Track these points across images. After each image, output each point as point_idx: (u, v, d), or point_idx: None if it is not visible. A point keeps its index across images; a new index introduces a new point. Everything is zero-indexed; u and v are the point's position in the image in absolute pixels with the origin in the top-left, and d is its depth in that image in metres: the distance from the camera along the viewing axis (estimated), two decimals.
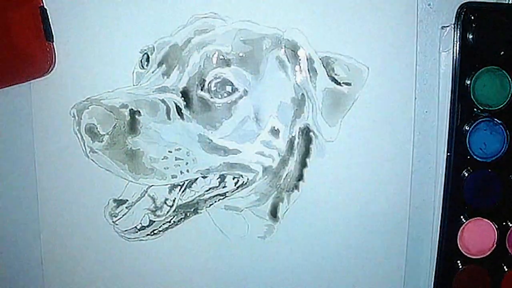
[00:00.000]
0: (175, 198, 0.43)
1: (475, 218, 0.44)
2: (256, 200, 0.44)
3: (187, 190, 0.43)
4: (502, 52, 0.42)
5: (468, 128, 0.42)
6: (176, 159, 0.41)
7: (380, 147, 0.43)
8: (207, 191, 0.43)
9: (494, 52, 0.42)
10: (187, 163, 0.42)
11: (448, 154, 0.43)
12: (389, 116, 0.43)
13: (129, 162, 0.41)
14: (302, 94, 0.42)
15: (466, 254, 0.44)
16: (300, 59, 0.42)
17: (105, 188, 0.43)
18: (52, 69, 0.42)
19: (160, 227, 0.44)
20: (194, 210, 0.44)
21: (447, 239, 0.44)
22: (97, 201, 0.44)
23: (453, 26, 0.42)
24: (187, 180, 0.43)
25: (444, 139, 0.43)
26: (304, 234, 0.44)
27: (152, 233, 0.44)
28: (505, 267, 0.45)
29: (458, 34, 0.42)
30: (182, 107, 0.42)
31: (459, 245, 0.44)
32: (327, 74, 0.42)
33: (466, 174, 0.43)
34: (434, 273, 0.45)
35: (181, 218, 0.44)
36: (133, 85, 0.42)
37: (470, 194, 0.43)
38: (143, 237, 0.44)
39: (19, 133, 0.44)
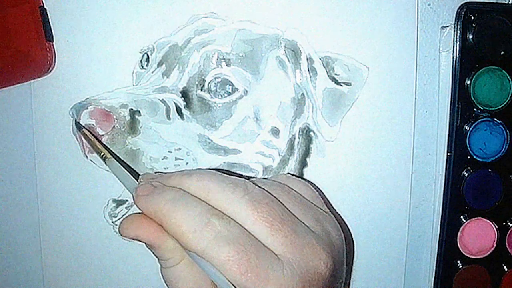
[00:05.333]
0: None
1: (475, 218, 0.44)
2: None
3: None
4: (502, 52, 0.42)
5: (468, 128, 0.42)
6: (176, 159, 0.41)
7: (380, 147, 0.43)
8: None
9: (494, 52, 0.42)
10: (187, 163, 0.42)
11: (448, 154, 0.43)
12: (389, 116, 0.43)
13: (129, 162, 0.41)
14: (302, 94, 0.42)
15: (466, 254, 0.44)
16: (300, 59, 0.42)
17: (105, 188, 0.43)
18: (52, 69, 0.42)
19: None
20: None
21: (447, 239, 0.44)
22: (96, 201, 0.44)
23: (453, 26, 0.42)
24: None
25: (444, 139, 0.43)
26: None
27: None
28: (505, 267, 0.45)
29: (458, 34, 0.42)
30: (182, 107, 0.42)
31: (459, 245, 0.44)
32: (327, 74, 0.42)
33: (466, 174, 0.43)
34: (434, 273, 0.45)
35: None
36: (133, 85, 0.42)
37: (470, 194, 0.43)
38: None
39: (19, 133, 0.44)
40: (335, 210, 0.43)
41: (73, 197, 0.44)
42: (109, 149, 0.41)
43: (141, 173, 0.41)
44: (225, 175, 0.32)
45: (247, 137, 0.42)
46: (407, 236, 0.44)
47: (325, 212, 0.34)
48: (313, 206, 0.33)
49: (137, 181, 0.34)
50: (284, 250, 0.29)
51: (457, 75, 0.42)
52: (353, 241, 0.44)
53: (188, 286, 0.32)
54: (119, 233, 0.32)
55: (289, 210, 0.31)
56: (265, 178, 0.33)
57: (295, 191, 0.33)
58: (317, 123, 0.43)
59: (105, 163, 0.37)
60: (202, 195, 0.30)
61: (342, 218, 0.43)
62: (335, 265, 0.30)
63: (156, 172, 0.42)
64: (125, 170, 0.35)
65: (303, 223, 0.31)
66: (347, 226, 0.43)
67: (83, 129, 0.40)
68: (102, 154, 0.38)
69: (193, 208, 0.29)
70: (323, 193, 0.42)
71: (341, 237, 0.33)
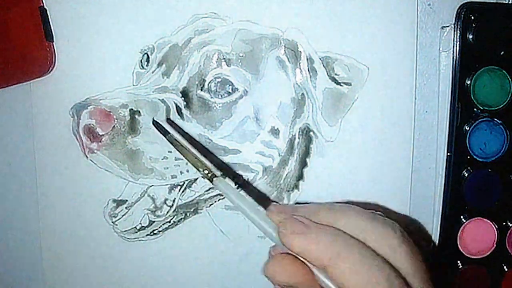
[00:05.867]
0: (175, 198, 0.43)
1: (475, 218, 0.44)
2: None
3: (187, 190, 0.43)
4: (502, 52, 0.42)
5: (468, 128, 0.42)
6: (176, 159, 0.41)
7: (380, 147, 0.43)
8: (207, 191, 0.43)
9: (494, 52, 0.42)
10: (186, 163, 0.42)
11: (448, 154, 0.43)
12: (389, 116, 0.43)
13: (128, 162, 0.41)
14: (302, 94, 0.42)
15: (466, 254, 0.44)
16: (300, 59, 0.42)
17: (105, 188, 0.43)
18: (52, 69, 0.42)
19: (160, 227, 0.44)
20: (194, 210, 0.44)
21: (447, 239, 0.44)
22: (96, 202, 0.44)
23: (453, 26, 0.42)
24: (187, 180, 0.43)
25: (444, 139, 0.43)
26: None
27: (152, 233, 0.44)
28: (505, 267, 0.45)
29: (458, 34, 0.42)
30: (182, 107, 0.42)
31: (459, 245, 0.44)
32: (327, 74, 0.42)
33: (466, 174, 0.43)
34: (434, 273, 0.45)
35: (181, 218, 0.44)
36: (133, 85, 0.42)
37: (470, 194, 0.43)
38: (143, 237, 0.44)
39: (19, 133, 0.44)
40: None
41: (73, 197, 0.44)
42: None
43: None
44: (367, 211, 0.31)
45: (247, 137, 0.42)
46: None
47: None
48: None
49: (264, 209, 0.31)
50: None
51: (457, 75, 0.42)
52: None
53: None
54: (265, 275, 0.30)
55: None
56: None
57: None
58: (317, 123, 0.43)
59: (212, 183, 0.31)
60: (359, 235, 0.29)
61: None
62: None
63: (160, 169, 0.42)
64: (245, 196, 0.31)
65: None
66: None
67: (169, 135, 0.36)
68: (208, 172, 0.31)
69: (373, 266, 0.28)
70: None
71: None
